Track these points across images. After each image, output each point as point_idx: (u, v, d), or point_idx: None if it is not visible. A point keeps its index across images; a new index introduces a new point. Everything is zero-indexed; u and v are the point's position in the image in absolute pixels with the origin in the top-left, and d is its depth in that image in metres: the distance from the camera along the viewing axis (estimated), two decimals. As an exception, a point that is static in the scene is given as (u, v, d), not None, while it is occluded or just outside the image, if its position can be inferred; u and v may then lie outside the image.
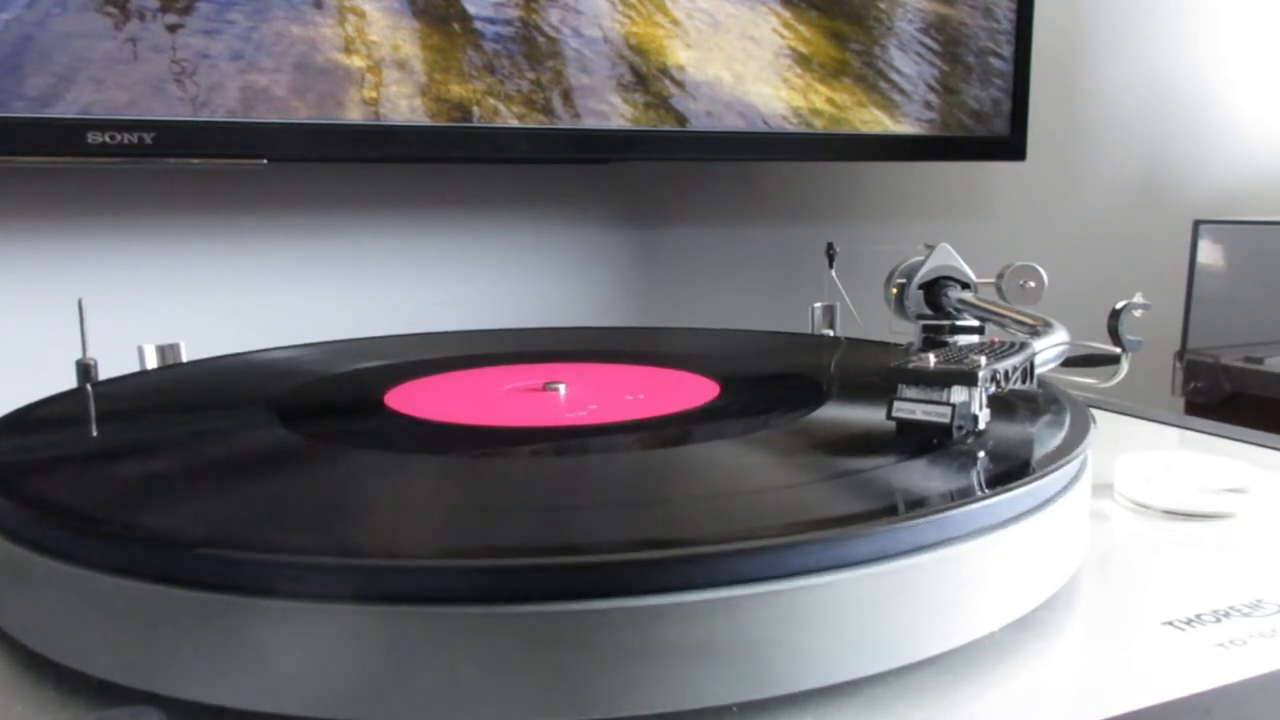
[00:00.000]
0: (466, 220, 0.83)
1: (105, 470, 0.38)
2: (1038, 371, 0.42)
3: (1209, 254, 0.97)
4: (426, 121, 0.69)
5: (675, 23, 0.75)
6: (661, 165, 0.89)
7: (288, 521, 0.32)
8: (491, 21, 0.70)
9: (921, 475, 0.35)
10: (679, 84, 0.76)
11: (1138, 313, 0.48)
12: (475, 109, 0.70)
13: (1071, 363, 0.48)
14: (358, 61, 0.66)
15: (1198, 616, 0.34)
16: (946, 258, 0.59)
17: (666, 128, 0.76)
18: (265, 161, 0.65)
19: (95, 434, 0.43)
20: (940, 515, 0.30)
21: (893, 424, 0.38)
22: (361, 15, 0.66)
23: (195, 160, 0.64)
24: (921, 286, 0.59)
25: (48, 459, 0.39)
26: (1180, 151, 1.15)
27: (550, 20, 0.72)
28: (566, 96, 0.72)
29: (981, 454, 0.36)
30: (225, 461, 0.39)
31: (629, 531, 0.31)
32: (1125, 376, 0.50)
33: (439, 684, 0.27)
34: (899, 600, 0.29)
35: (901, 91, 0.85)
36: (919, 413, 0.37)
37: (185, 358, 0.56)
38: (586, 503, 0.34)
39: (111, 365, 0.53)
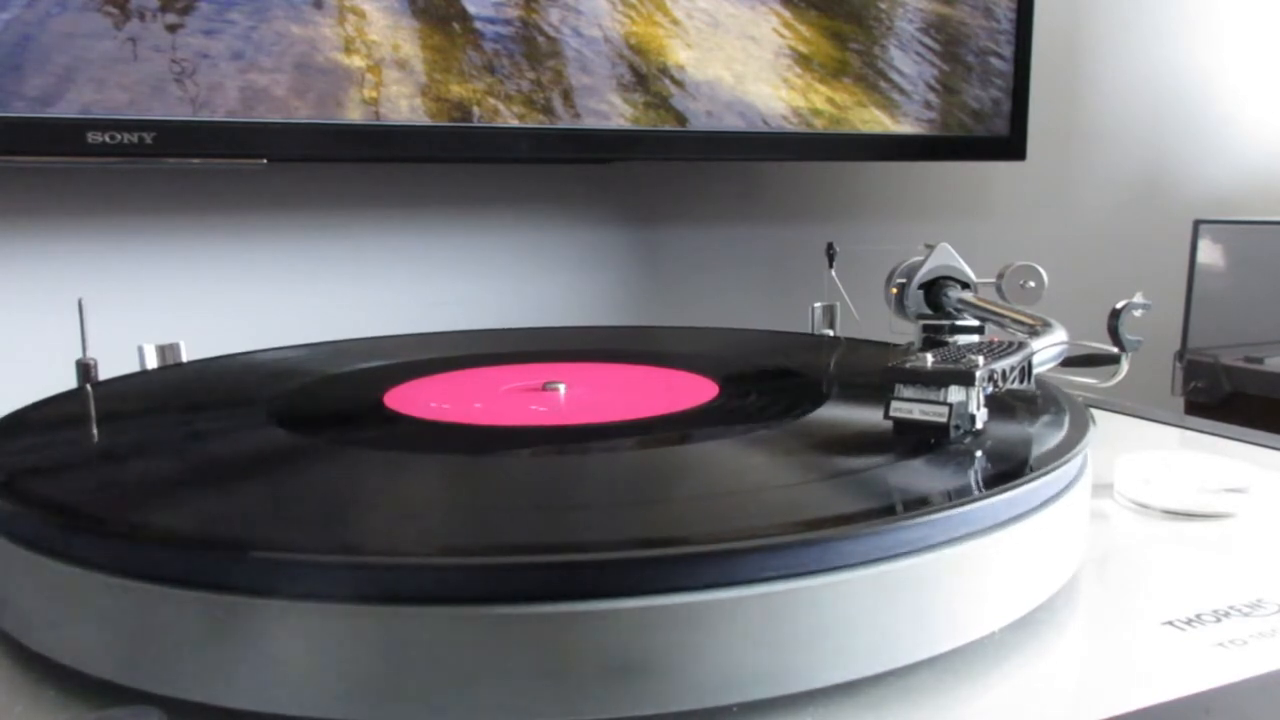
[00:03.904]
0: (466, 220, 0.83)
1: (105, 470, 0.38)
2: (1036, 371, 0.42)
3: (1209, 254, 0.97)
4: (426, 121, 0.69)
5: (675, 23, 0.76)
6: (661, 165, 0.89)
7: (287, 521, 0.32)
8: (491, 21, 0.70)
9: (921, 475, 0.35)
10: (679, 84, 0.76)
11: (1138, 312, 0.48)
12: (475, 109, 0.70)
13: (1071, 363, 0.48)
14: (358, 61, 0.66)
15: (1198, 616, 0.34)
16: (946, 258, 0.59)
17: (666, 128, 0.76)
18: (265, 161, 0.65)
19: (95, 434, 0.43)
20: (941, 515, 0.30)
21: (891, 424, 0.38)
22: (361, 15, 0.66)
23: (195, 160, 0.64)
24: (921, 286, 0.59)
25: (48, 459, 0.39)
26: (1180, 151, 1.15)
27: (550, 20, 0.72)
28: (566, 96, 0.72)
29: (980, 454, 0.36)
30: (225, 461, 0.39)
31: (629, 531, 0.31)
32: (1125, 376, 0.50)
33: (439, 684, 0.27)
34: (899, 600, 0.29)
35: (901, 91, 0.85)
36: (916, 412, 0.37)
37: (185, 358, 0.56)
38: (586, 502, 0.34)
39: (111, 365, 0.53)
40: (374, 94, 0.67)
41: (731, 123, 0.78)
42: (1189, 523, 0.43)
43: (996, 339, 0.44)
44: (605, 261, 0.88)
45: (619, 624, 0.27)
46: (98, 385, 0.51)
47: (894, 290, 0.60)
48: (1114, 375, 0.50)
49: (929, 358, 0.38)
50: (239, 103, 0.63)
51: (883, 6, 0.83)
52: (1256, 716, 0.30)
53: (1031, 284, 0.58)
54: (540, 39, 0.71)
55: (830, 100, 0.82)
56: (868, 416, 0.41)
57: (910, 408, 0.37)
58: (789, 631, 0.28)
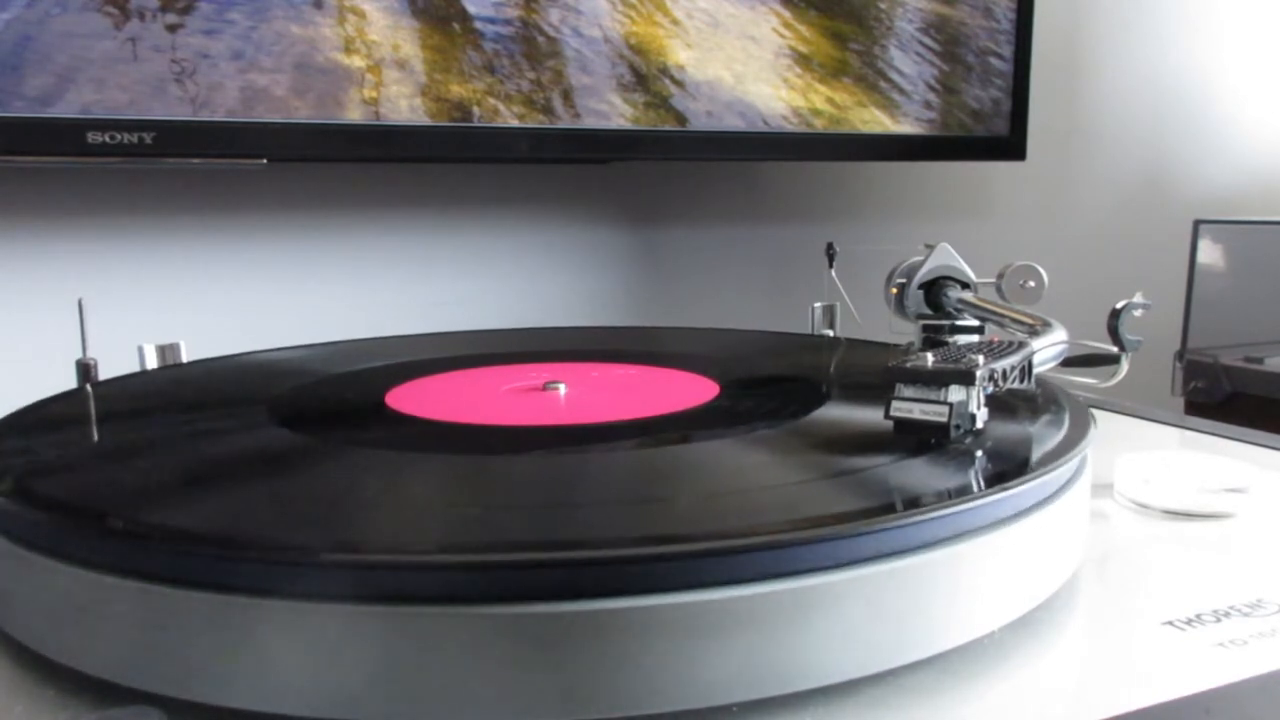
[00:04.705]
0: (467, 220, 0.83)
1: (105, 470, 0.38)
2: (1036, 371, 0.42)
3: (1209, 254, 0.97)
4: (426, 121, 0.69)
5: (675, 23, 0.75)
6: (661, 165, 0.89)
7: (288, 521, 0.32)
8: (491, 21, 0.70)
9: (921, 475, 0.35)
10: (679, 84, 0.76)
11: (1138, 312, 0.48)
12: (475, 109, 0.70)
13: (1071, 363, 0.48)
14: (358, 61, 0.66)
15: (1198, 616, 0.34)
16: (946, 258, 0.59)
17: (666, 128, 0.76)
18: (265, 161, 0.65)
19: (95, 434, 0.43)
20: (940, 514, 0.30)
21: (892, 424, 0.38)
22: (361, 15, 0.66)
23: (195, 160, 0.64)
24: (921, 286, 0.59)
25: (48, 459, 0.39)
26: (1180, 151, 1.15)
27: (550, 20, 0.72)
28: (566, 96, 0.72)
29: (980, 453, 0.36)
30: (226, 461, 0.39)
31: (629, 531, 0.31)
32: (1125, 376, 0.50)
33: (439, 684, 0.27)
34: (899, 600, 0.29)
35: (901, 91, 0.85)
36: (916, 412, 0.37)
37: (185, 358, 0.56)
38: (586, 502, 0.34)
39: (111, 365, 0.53)
40: (374, 94, 0.67)
41: (731, 123, 0.78)
42: (1189, 523, 0.43)
43: (997, 339, 0.44)
44: (605, 261, 0.88)
45: (619, 624, 0.27)
46: (98, 385, 0.51)
47: (894, 290, 0.60)
48: (1114, 375, 0.50)
49: (929, 357, 0.38)
50: (239, 103, 0.63)
51: (883, 6, 0.83)
52: (1256, 716, 0.30)
53: (1031, 284, 0.58)
54: (540, 39, 0.71)
55: (830, 100, 0.82)
56: (868, 416, 0.41)
57: (910, 407, 0.37)
58: (789, 631, 0.28)
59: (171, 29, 0.62)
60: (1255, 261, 0.99)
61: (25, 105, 0.59)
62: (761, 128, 0.79)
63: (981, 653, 0.31)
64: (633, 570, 0.27)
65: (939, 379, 0.37)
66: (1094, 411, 0.44)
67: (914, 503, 0.32)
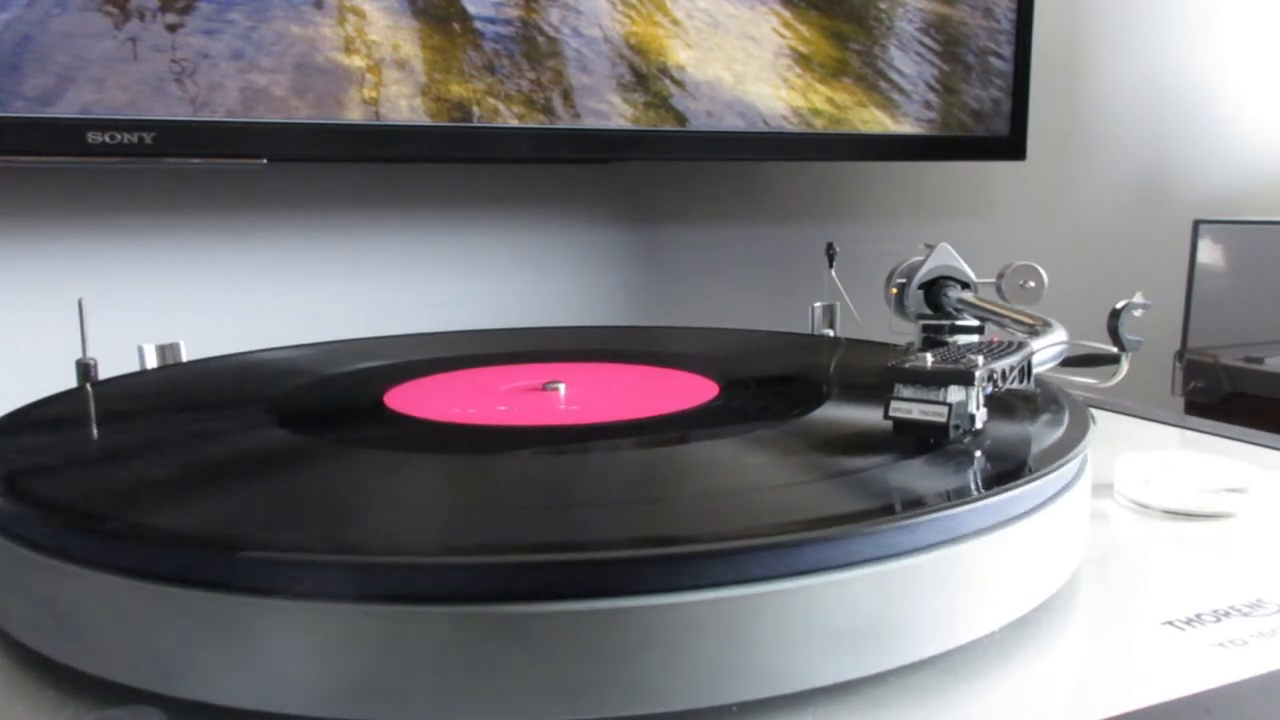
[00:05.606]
0: (466, 220, 0.83)
1: (105, 470, 0.38)
2: (1036, 371, 0.42)
3: (1209, 254, 0.97)
4: (426, 121, 0.69)
5: (675, 23, 0.75)
6: (661, 165, 0.89)
7: (288, 521, 0.32)
8: (491, 21, 0.70)
9: (922, 475, 0.35)
10: (679, 84, 0.76)
11: (1138, 312, 0.48)
12: (475, 109, 0.70)
13: (1071, 363, 0.48)
14: (358, 61, 0.66)
15: (1198, 616, 0.34)
16: (946, 258, 0.59)
17: (666, 128, 0.76)
18: (265, 161, 0.65)
19: (95, 434, 0.43)
20: (941, 515, 0.30)
21: (891, 424, 0.38)
22: (361, 15, 0.66)
23: (195, 160, 0.64)
24: (921, 286, 0.59)
25: (48, 459, 0.39)
26: (1180, 151, 1.15)
27: (550, 20, 0.72)
28: (566, 96, 0.72)
29: (979, 454, 0.36)
30: (225, 461, 0.39)
31: (629, 531, 0.31)
32: (1125, 376, 0.50)
33: (439, 684, 0.27)
34: (899, 600, 0.29)
35: (901, 91, 0.85)
36: (916, 412, 0.37)
37: (185, 358, 0.56)
38: (586, 502, 0.34)
39: (111, 365, 0.53)
40: (374, 94, 0.67)
41: (731, 123, 0.78)
42: (1189, 523, 0.43)
43: (996, 339, 0.44)
44: (605, 261, 0.88)
45: (619, 624, 0.27)
46: (98, 385, 0.51)
47: (894, 290, 0.60)
48: (1114, 375, 0.50)
49: (929, 358, 0.38)
50: (239, 103, 0.63)
51: (883, 6, 0.83)
52: (1256, 716, 0.30)
53: (1031, 284, 0.58)
54: (540, 39, 0.71)
55: (830, 100, 0.82)
56: (867, 416, 0.41)
57: (910, 408, 0.37)
58: (789, 631, 0.28)
59: (171, 29, 0.62)
60: (1255, 261, 0.99)
61: (25, 105, 0.59)
62: (761, 128, 0.79)
63: (981, 653, 0.31)
64: (632, 570, 0.27)
65: (938, 379, 0.37)
66: (1094, 411, 0.44)
67: (914, 503, 0.32)
